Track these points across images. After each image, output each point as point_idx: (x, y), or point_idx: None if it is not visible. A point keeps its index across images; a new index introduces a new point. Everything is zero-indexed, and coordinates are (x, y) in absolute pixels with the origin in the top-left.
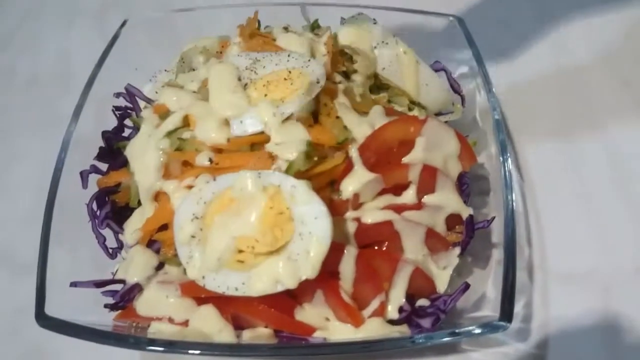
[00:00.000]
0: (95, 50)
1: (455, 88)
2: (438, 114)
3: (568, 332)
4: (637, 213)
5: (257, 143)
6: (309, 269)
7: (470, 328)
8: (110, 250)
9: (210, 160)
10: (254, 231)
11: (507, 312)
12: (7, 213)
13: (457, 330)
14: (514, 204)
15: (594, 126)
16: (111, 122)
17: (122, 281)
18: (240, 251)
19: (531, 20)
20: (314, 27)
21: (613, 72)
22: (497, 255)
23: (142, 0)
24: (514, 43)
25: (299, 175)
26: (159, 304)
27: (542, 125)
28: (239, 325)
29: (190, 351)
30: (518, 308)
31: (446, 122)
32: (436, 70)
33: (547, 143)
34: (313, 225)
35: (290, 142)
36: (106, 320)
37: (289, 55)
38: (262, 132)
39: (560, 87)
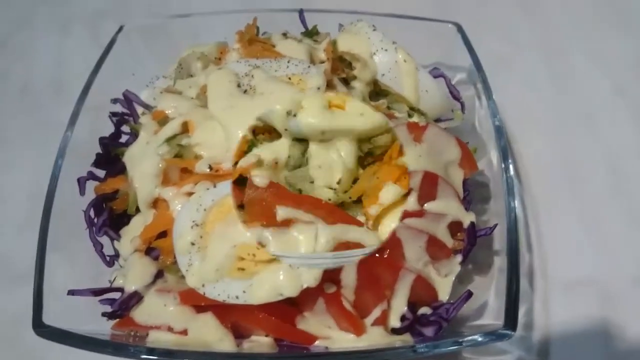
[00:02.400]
0: (90, 57)
1: (454, 94)
2: (437, 120)
3: (569, 339)
4: (636, 221)
5: None
6: (311, 277)
7: (475, 337)
8: (108, 258)
9: (210, 167)
10: None
11: (511, 320)
12: (2, 220)
13: (461, 339)
14: (517, 211)
15: (592, 133)
16: (107, 129)
17: (120, 289)
18: (241, 259)
19: (527, 26)
20: (313, 33)
21: (608, 77)
22: (499, 262)
23: (137, 7)
24: (511, 49)
25: None
26: (158, 313)
27: (540, 132)
28: (239, 334)
29: None
30: (519, 316)
31: (445, 128)
32: (435, 77)
33: (544, 149)
34: None
35: None
36: (104, 329)
37: (288, 62)
38: None
39: (557, 93)
